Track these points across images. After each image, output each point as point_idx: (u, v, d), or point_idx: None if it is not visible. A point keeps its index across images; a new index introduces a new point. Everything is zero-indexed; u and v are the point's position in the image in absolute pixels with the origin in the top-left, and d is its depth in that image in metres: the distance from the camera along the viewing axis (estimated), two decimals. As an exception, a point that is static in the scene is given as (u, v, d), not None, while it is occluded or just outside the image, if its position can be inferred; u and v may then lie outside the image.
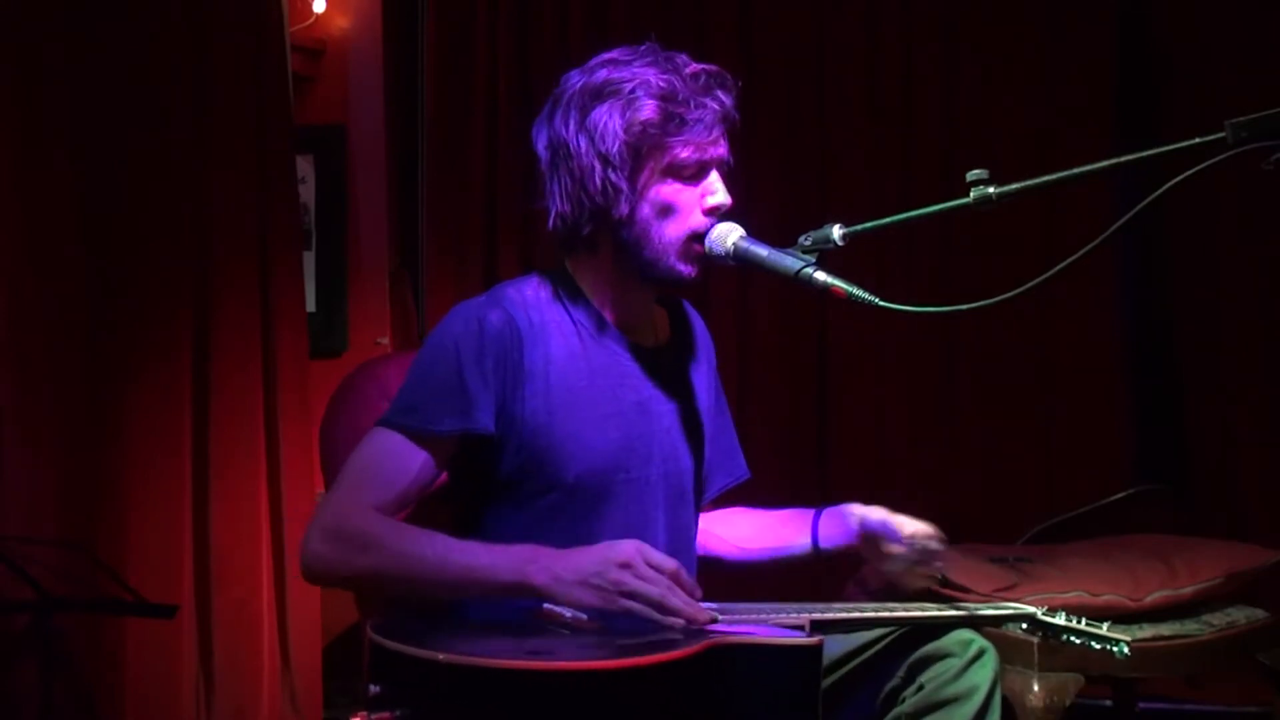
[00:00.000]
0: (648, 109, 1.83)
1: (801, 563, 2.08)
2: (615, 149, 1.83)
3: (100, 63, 3.10)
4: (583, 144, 1.85)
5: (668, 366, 2.01)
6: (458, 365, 1.83)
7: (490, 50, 3.88)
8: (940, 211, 1.80)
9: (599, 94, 1.85)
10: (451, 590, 1.75)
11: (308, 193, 4.02)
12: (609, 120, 1.83)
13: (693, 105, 1.84)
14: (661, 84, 1.84)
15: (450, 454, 1.86)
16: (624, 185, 1.84)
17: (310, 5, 3.95)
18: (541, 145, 1.92)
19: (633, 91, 1.84)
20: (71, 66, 3.04)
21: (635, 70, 1.86)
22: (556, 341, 1.90)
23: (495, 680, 1.50)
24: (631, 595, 1.67)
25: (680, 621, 1.66)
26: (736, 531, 2.14)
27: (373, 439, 1.85)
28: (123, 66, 3.13)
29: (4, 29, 2.94)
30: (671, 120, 1.84)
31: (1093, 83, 3.65)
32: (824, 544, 2.04)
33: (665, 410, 1.98)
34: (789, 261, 1.84)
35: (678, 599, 1.68)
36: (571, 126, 1.86)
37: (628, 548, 1.70)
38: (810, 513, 2.06)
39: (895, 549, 1.94)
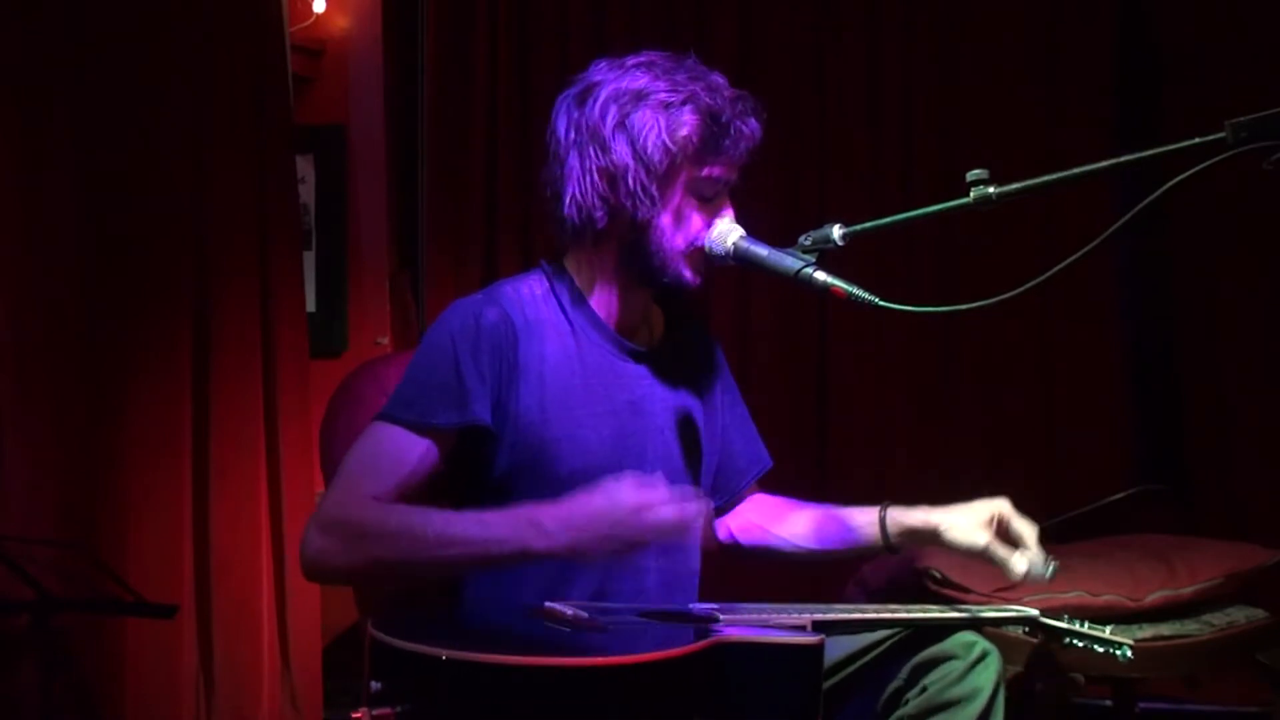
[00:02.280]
0: (693, 125, 1.85)
1: (864, 556, 2.06)
2: (658, 157, 1.84)
3: (100, 63, 3.10)
4: (620, 142, 1.85)
5: (663, 366, 2.01)
6: (454, 360, 1.84)
7: (490, 50, 3.88)
8: (940, 211, 1.80)
9: (644, 96, 1.86)
10: (454, 568, 1.76)
11: (308, 193, 4.02)
12: (654, 127, 1.84)
13: (733, 130, 1.87)
14: (709, 102, 1.86)
15: (448, 448, 1.86)
16: (655, 191, 1.86)
17: (310, 5, 3.95)
18: (563, 127, 1.92)
19: (683, 104, 1.85)
20: (72, 67, 3.04)
21: (680, 82, 1.87)
22: (552, 340, 1.92)
23: (497, 676, 1.51)
24: (647, 529, 1.69)
25: (701, 513, 1.70)
26: (796, 527, 2.12)
27: (371, 433, 1.85)
28: (123, 67, 3.14)
29: (5, 31, 2.94)
30: (713, 140, 1.86)
31: (1093, 83, 3.65)
32: (896, 542, 2.00)
33: (659, 409, 1.99)
34: (789, 261, 1.85)
35: (683, 505, 1.69)
36: (610, 121, 1.86)
37: (618, 490, 1.70)
38: (874, 510, 2.03)
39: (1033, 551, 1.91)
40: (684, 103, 1.85)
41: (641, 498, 1.69)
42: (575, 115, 1.91)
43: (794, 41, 3.79)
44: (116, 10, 3.13)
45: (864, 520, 2.04)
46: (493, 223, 3.89)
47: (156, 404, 3.16)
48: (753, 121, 1.90)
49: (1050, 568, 1.87)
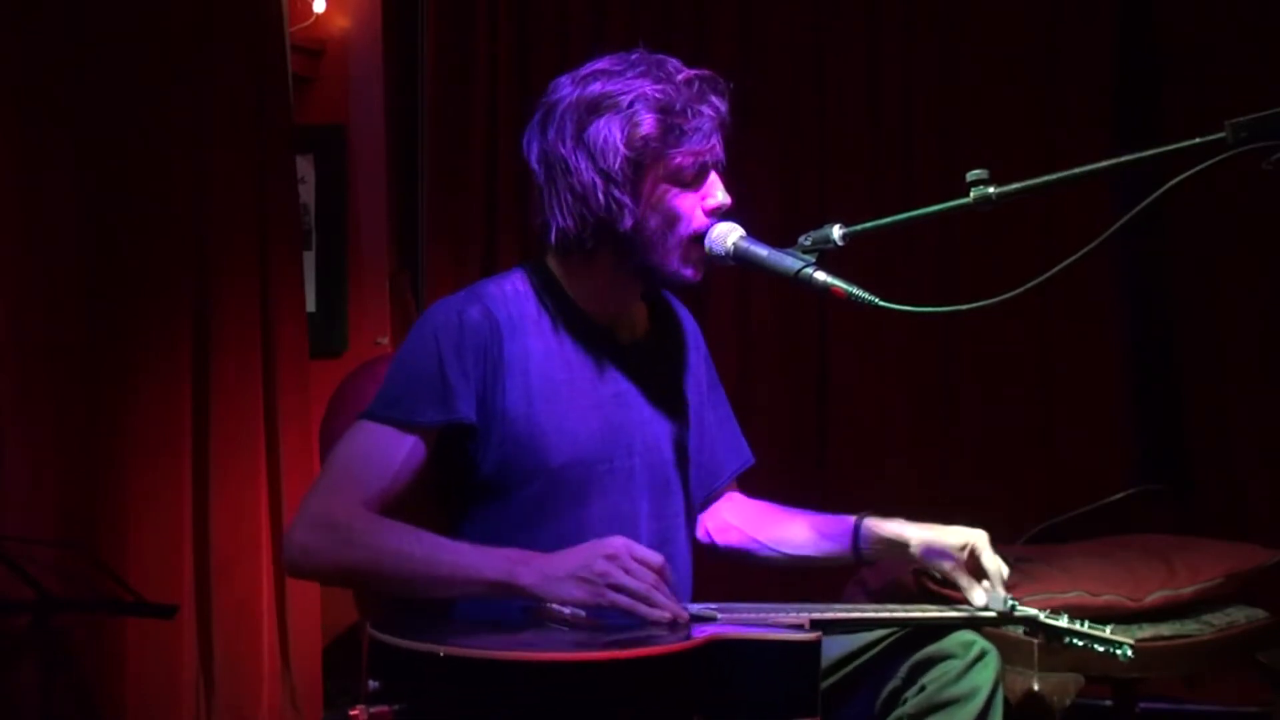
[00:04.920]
0: (647, 123, 1.83)
1: (833, 565, 2.07)
2: (617, 165, 1.83)
3: (100, 63, 3.10)
4: (582, 160, 1.84)
5: (646, 360, 2.01)
6: (438, 358, 1.84)
7: (490, 50, 3.88)
8: (940, 211, 1.80)
9: (595, 107, 1.85)
10: (437, 588, 1.75)
11: (308, 193, 4.02)
12: (608, 135, 1.83)
13: (690, 114, 1.84)
14: (658, 95, 1.84)
15: (434, 446, 1.86)
16: (628, 200, 1.84)
17: (310, 5, 3.95)
18: (535, 158, 1.91)
19: (631, 105, 1.83)
20: (72, 67, 3.04)
21: (630, 81, 1.85)
22: (535, 336, 1.91)
23: (495, 673, 1.51)
24: (618, 588, 1.68)
25: (666, 615, 1.67)
26: (768, 528, 2.13)
27: (356, 433, 1.85)
28: (123, 67, 3.14)
29: (5, 31, 2.94)
30: (671, 131, 1.84)
31: (1093, 83, 3.65)
32: (866, 551, 2.01)
33: (644, 402, 1.99)
34: (789, 261, 1.84)
35: (663, 594, 1.69)
36: (568, 142, 1.85)
37: (615, 542, 1.72)
38: (850, 519, 2.04)
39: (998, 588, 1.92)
40: (632, 103, 1.83)
41: (622, 552, 1.70)
42: (541, 144, 1.90)
43: (794, 41, 3.79)
44: (116, 10, 3.13)
45: (838, 529, 2.04)
46: (493, 223, 3.90)
47: (156, 404, 3.16)
48: (712, 99, 1.87)
49: (1009, 605, 1.90)
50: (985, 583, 1.93)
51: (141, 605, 2.93)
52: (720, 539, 2.14)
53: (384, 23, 4.03)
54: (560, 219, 1.88)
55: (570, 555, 1.72)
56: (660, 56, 1.90)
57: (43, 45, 2.99)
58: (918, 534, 1.97)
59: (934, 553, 1.95)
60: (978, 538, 1.94)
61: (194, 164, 3.26)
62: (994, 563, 1.92)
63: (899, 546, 1.99)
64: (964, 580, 1.93)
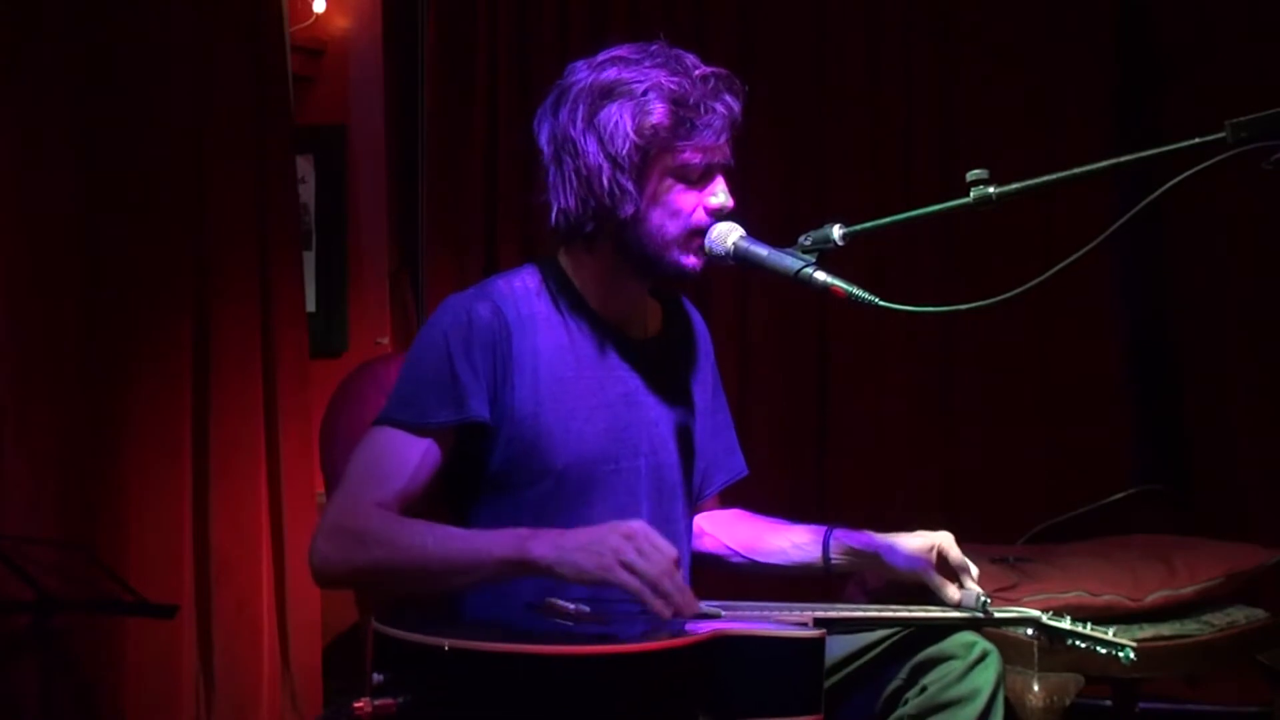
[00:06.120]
0: (659, 112, 1.83)
1: (805, 576, 2.07)
2: (625, 151, 1.82)
3: (100, 63, 3.10)
4: (591, 143, 1.84)
5: (656, 359, 2.01)
6: (448, 357, 1.84)
7: (490, 50, 3.88)
8: (940, 211, 1.80)
9: (609, 93, 1.85)
10: (455, 574, 1.75)
11: (308, 193, 4.02)
12: (620, 121, 1.82)
13: (703, 110, 1.84)
14: (673, 87, 1.83)
15: (449, 446, 1.86)
16: (631, 187, 1.84)
17: (310, 5, 3.96)
18: (544, 138, 1.91)
19: (645, 93, 1.83)
20: (71, 68, 3.04)
21: (646, 70, 1.85)
22: (544, 333, 1.91)
23: (499, 665, 1.51)
24: (629, 567, 1.66)
25: (668, 611, 1.65)
26: (742, 536, 2.13)
27: (371, 437, 1.85)
28: (123, 67, 3.14)
29: (4, 32, 2.94)
30: (682, 124, 1.84)
31: (1093, 82, 3.65)
32: (835, 562, 2.02)
33: (652, 402, 1.99)
34: (789, 261, 1.84)
35: (672, 584, 1.67)
36: (579, 124, 1.85)
37: (633, 524, 1.71)
38: (822, 529, 2.04)
39: (970, 584, 1.92)
40: (646, 92, 1.83)
41: (639, 533, 1.69)
42: (551, 124, 1.90)
43: (794, 41, 3.79)
44: (117, 10, 3.13)
45: (808, 538, 2.04)
46: (493, 223, 3.90)
47: (157, 404, 3.17)
48: (726, 98, 1.87)
49: (981, 602, 1.89)
50: (956, 584, 1.93)
51: (141, 605, 2.93)
52: (694, 544, 2.13)
53: (384, 23, 4.04)
54: (563, 199, 1.88)
55: (585, 530, 1.71)
56: (678, 51, 1.90)
57: (43, 46, 2.99)
58: (884, 542, 1.97)
59: (902, 558, 1.94)
60: (942, 538, 1.94)
61: (194, 164, 3.26)
62: (962, 560, 1.92)
63: (867, 557, 1.99)
64: (935, 580, 1.93)
